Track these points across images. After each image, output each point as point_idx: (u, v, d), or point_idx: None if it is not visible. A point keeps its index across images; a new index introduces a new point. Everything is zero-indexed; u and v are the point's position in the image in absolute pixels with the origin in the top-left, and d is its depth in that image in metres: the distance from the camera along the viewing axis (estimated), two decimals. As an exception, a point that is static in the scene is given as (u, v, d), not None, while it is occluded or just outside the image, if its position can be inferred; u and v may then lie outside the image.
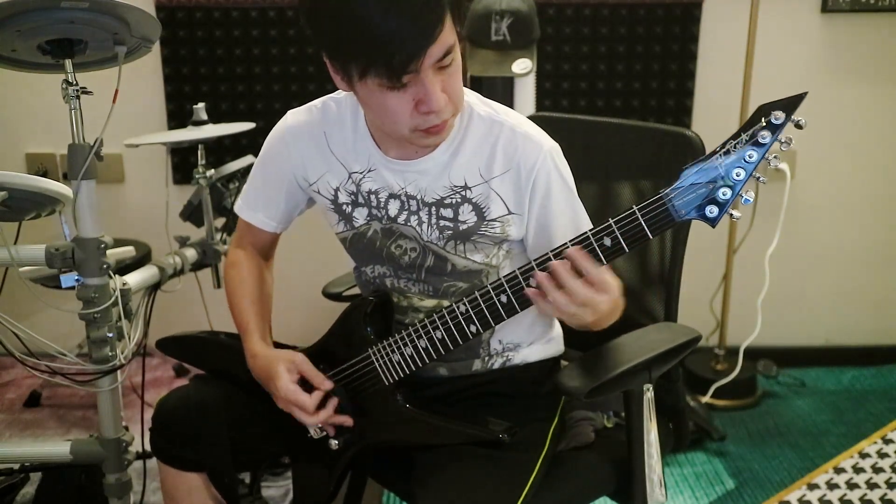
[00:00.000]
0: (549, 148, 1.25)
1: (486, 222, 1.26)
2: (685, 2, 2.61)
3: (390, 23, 1.02)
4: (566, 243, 1.10)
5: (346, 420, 1.30)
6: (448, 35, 1.08)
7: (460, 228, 1.27)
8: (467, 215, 1.27)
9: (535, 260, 1.12)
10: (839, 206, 2.80)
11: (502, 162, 1.25)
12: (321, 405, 1.28)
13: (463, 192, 1.26)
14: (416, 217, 1.29)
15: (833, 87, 2.68)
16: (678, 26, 2.62)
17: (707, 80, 2.68)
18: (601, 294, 1.08)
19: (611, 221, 1.06)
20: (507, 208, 1.26)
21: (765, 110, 1.00)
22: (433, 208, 1.28)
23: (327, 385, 1.29)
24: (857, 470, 2.25)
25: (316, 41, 1.13)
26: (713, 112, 2.68)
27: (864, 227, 2.83)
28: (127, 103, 1.66)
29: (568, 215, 1.26)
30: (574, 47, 2.65)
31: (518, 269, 1.14)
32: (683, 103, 2.69)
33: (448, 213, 1.27)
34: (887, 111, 2.71)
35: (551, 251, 1.11)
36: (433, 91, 1.09)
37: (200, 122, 2.14)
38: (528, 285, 1.12)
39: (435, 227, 1.28)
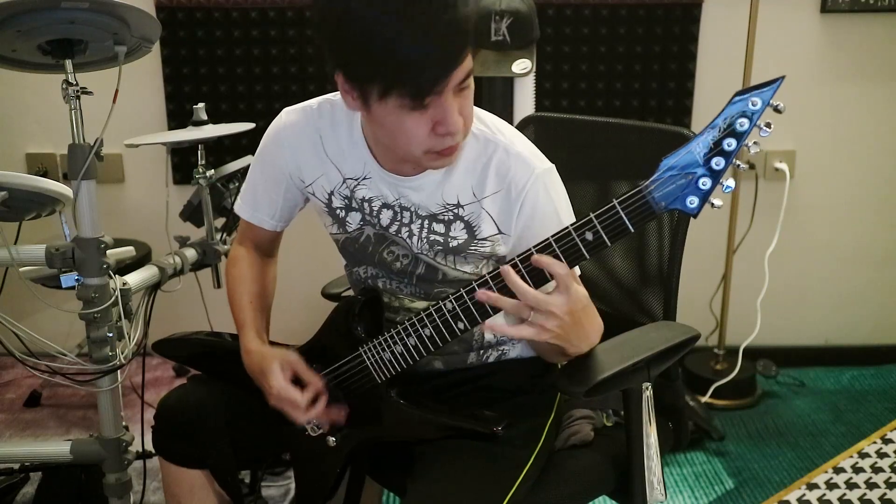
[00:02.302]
0: (542, 171, 1.24)
1: (476, 241, 1.27)
2: (685, 2, 2.61)
3: (420, 47, 1.02)
4: (547, 238, 1.09)
5: (339, 415, 1.30)
6: (469, 60, 1.09)
7: (450, 245, 1.27)
8: (458, 232, 1.27)
9: (518, 256, 1.11)
10: (839, 205, 2.80)
11: (494, 182, 1.25)
12: (312, 403, 1.28)
13: (455, 210, 1.26)
14: (407, 229, 1.29)
15: (832, 87, 2.68)
16: (678, 26, 2.63)
17: (706, 80, 2.68)
18: (560, 295, 1.07)
19: (591, 216, 1.05)
20: (497, 228, 1.26)
21: (742, 96, 0.99)
22: (426, 221, 1.28)
23: (319, 382, 1.29)
24: (857, 470, 2.25)
25: (333, 61, 1.12)
26: (712, 112, 2.61)
27: (864, 227, 2.83)
28: (127, 103, 1.67)
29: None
30: (574, 47, 2.65)
31: (502, 265, 1.13)
32: (683, 103, 2.69)
33: (440, 227, 1.27)
34: (887, 111, 2.72)
35: (533, 247, 1.09)
36: (452, 112, 1.10)
37: (200, 123, 2.14)
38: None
39: (425, 240, 1.28)
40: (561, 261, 1.07)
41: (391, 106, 1.09)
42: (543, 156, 1.27)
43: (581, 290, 1.12)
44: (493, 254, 1.28)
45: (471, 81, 1.12)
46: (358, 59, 1.08)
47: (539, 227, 1.23)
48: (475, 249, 1.27)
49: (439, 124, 1.11)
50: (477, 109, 1.29)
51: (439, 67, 1.05)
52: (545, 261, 1.07)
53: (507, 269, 1.09)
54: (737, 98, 0.99)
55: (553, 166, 1.27)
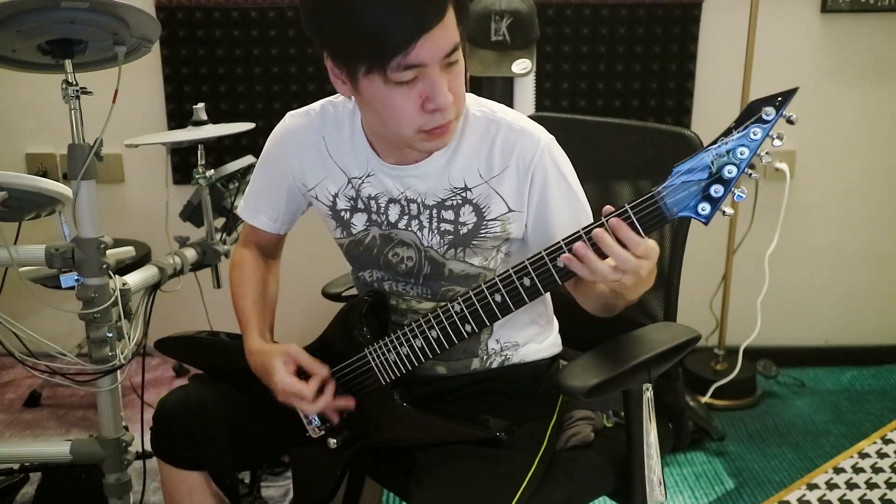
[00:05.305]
0: (547, 142, 1.25)
1: (485, 222, 1.26)
2: (685, 2, 2.61)
3: (389, 11, 1.03)
4: (559, 242, 1.10)
5: (348, 403, 1.30)
6: (452, 31, 1.09)
7: (461, 232, 1.27)
8: (468, 216, 1.27)
9: (528, 259, 1.12)
10: (839, 206, 2.80)
11: (501, 160, 1.25)
12: (319, 392, 1.28)
13: (463, 194, 1.26)
14: (416, 221, 1.29)
15: (833, 87, 2.68)
16: (678, 26, 2.63)
17: (707, 80, 2.68)
18: (645, 259, 1.06)
19: (603, 220, 1.06)
20: (508, 206, 1.26)
21: (755, 106, 1.00)
22: (434, 211, 1.27)
23: (323, 371, 1.28)
24: (857, 470, 2.25)
25: (320, 44, 1.14)
26: (713, 112, 2.68)
27: (864, 227, 2.83)
28: (127, 103, 1.67)
29: (566, 211, 1.26)
30: (574, 47, 2.65)
31: (511, 267, 1.14)
32: (683, 103, 2.69)
33: (449, 214, 1.27)
34: (887, 111, 2.72)
35: (544, 250, 1.10)
36: (440, 87, 1.09)
37: (200, 123, 2.14)
38: (556, 265, 1.10)
39: (436, 231, 1.28)
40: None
41: (378, 82, 1.09)
42: (544, 129, 1.28)
43: (655, 245, 1.09)
44: (505, 236, 1.27)
45: (458, 57, 1.11)
46: (336, 35, 1.09)
47: (554, 198, 1.25)
48: (485, 233, 1.27)
49: (428, 100, 1.10)
50: (476, 96, 1.30)
51: (413, 28, 1.04)
52: (618, 227, 1.05)
53: (618, 224, 1.04)
54: (751, 106, 1.00)
55: (554, 137, 1.27)
